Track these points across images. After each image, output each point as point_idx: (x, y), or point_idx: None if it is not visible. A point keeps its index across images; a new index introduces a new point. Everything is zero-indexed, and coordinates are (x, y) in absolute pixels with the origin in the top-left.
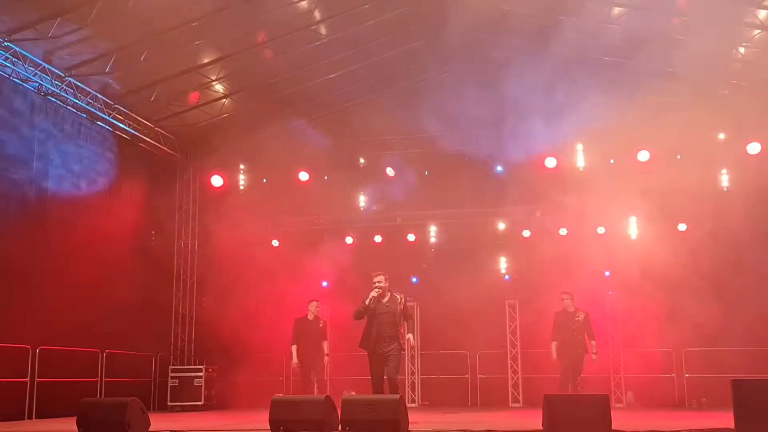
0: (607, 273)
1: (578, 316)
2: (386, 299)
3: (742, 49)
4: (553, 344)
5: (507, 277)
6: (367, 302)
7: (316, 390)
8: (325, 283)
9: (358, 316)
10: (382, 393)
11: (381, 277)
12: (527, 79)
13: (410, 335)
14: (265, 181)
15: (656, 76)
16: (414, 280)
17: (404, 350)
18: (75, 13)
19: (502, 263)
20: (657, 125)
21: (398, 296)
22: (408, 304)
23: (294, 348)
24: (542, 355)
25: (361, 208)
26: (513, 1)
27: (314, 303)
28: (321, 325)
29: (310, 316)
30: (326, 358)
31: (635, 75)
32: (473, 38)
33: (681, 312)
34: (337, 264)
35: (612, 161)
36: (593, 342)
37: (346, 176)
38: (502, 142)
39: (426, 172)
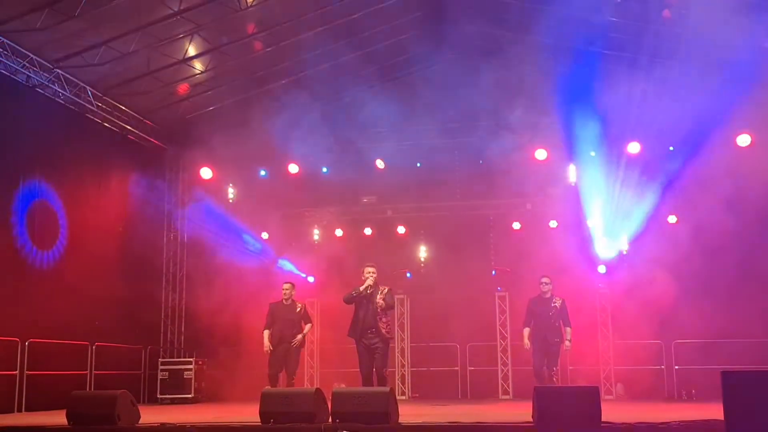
0: (602, 269)
1: (555, 302)
2: (371, 291)
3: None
4: (525, 331)
5: (493, 272)
6: (362, 289)
7: (285, 382)
8: (311, 279)
9: (349, 300)
10: (371, 385)
11: (373, 269)
12: (519, 70)
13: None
14: (264, 173)
15: (647, 67)
16: (408, 275)
17: (391, 341)
18: (63, 4)
19: (492, 256)
20: (649, 117)
21: (381, 288)
22: (389, 292)
23: (266, 333)
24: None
25: (351, 200)
26: None
27: (287, 285)
28: (299, 309)
29: (285, 300)
30: (299, 336)
31: (627, 66)
32: (465, 30)
33: (671, 304)
34: (327, 256)
35: (593, 153)
36: (568, 329)
37: (337, 168)
38: (492, 134)
39: (418, 164)
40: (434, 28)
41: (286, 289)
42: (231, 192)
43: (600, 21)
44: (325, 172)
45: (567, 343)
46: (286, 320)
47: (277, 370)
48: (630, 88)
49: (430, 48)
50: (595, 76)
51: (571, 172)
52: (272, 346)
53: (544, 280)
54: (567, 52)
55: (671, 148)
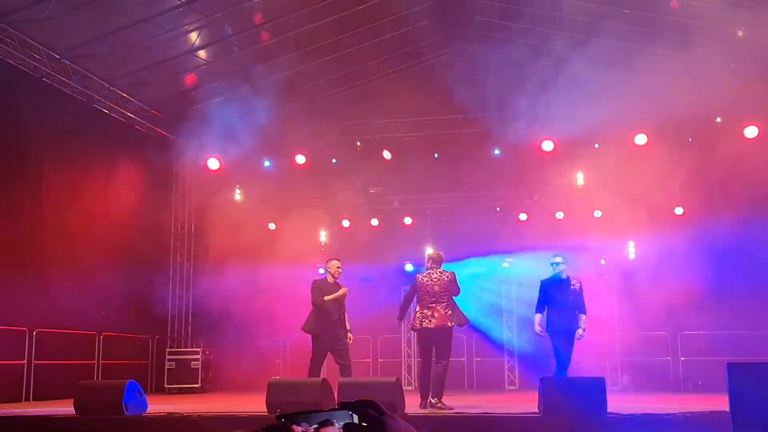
0: (602, 261)
1: (573, 285)
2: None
3: (740, 32)
4: (537, 317)
5: (505, 264)
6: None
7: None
8: (321, 271)
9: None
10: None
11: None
12: (527, 61)
13: None
14: (267, 164)
15: (654, 58)
16: (412, 267)
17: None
18: None
19: (499, 247)
20: (655, 108)
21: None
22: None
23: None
24: (538, 338)
25: (358, 191)
26: None
27: (335, 262)
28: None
29: (330, 279)
30: (350, 335)
31: (634, 57)
32: (476, 20)
33: (677, 295)
34: (334, 247)
35: (597, 145)
36: (583, 316)
37: (343, 159)
38: (499, 126)
39: (436, 155)
40: (445, 18)
41: (338, 267)
42: (236, 182)
43: (609, 12)
44: (335, 162)
45: (580, 331)
46: (335, 301)
47: (324, 357)
48: (637, 79)
49: (441, 38)
50: (604, 67)
51: (578, 163)
52: (321, 331)
53: (557, 259)
54: (577, 42)
55: (690, 139)
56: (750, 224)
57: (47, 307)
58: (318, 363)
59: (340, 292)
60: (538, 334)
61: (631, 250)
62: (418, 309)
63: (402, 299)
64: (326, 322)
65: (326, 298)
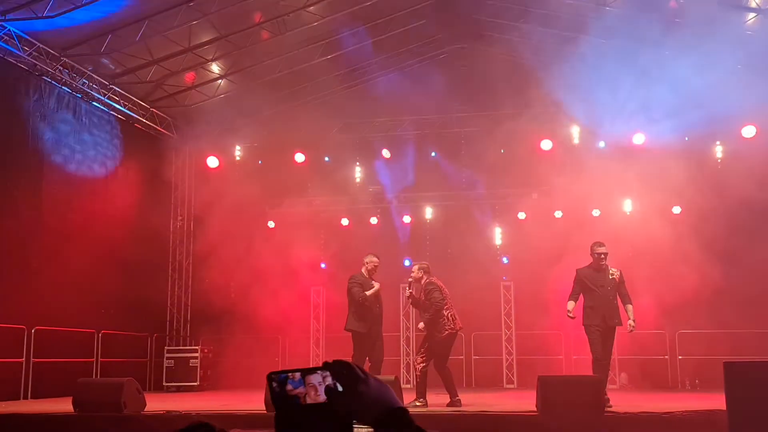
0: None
1: (612, 274)
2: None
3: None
4: (570, 304)
5: (505, 260)
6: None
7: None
8: (323, 265)
9: None
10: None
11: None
12: (526, 60)
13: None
14: (260, 162)
15: (652, 57)
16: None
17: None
18: None
19: (498, 245)
20: (654, 107)
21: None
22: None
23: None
24: (537, 337)
25: (357, 190)
26: None
27: (375, 258)
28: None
29: (366, 274)
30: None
31: (633, 58)
32: (475, 19)
33: (674, 294)
34: (333, 245)
35: (602, 144)
36: (630, 307)
37: (342, 157)
38: (498, 124)
39: (433, 153)
40: (445, 17)
41: (377, 264)
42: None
43: (609, 11)
44: (327, 161)
45: (631, 323)
46: (375, 297)
47: (366, 355)
48: (636, 79)
49: (441, 36)
50: (604, 67)
51: (578, 162)
52: (368, 327)
53: (601, 249)
54: (576, 41)
55: (686, 138)
56: (747, 223)
57: (46, 305)
58: (363, 362)
59: (376, 287)
60: (569, 317)
61: (629, 248)
62: (448, 311)
63: (438, 305)
64: (370, 319)
65: (367, 293)
